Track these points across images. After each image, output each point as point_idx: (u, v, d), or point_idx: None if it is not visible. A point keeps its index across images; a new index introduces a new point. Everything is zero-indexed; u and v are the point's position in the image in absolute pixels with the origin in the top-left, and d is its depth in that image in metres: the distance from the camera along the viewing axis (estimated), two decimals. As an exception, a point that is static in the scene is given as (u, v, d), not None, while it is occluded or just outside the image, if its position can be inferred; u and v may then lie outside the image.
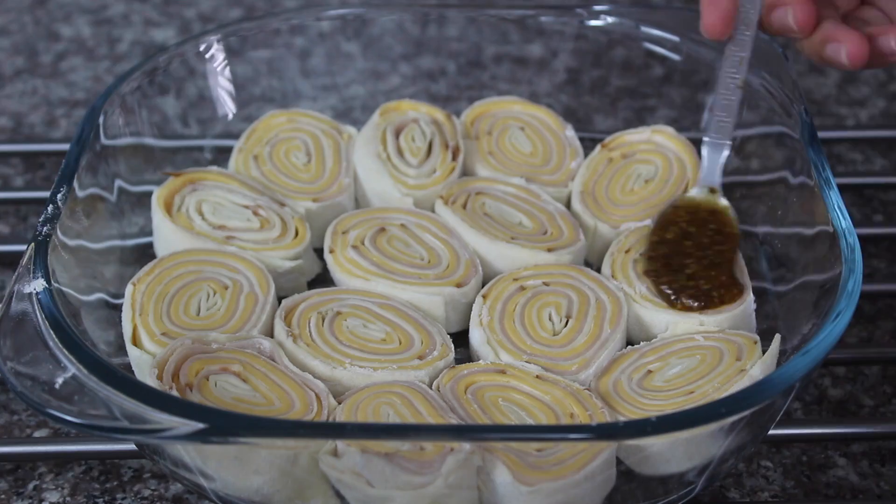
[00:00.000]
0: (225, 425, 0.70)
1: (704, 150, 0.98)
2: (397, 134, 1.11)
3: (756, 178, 1.08)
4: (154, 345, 0.88)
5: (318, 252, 1.03)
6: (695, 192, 0.99)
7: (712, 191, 0.98)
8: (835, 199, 0.88)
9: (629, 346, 0.91)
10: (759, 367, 0.82)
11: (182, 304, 0.92)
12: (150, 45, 1.46)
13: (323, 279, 1.02)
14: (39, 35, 1.49)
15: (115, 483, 0.86)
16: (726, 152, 0.97)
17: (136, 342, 0.89)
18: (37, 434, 0.91)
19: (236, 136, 1.12)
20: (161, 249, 1.01)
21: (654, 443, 0.77)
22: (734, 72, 0.95)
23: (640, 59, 1.20)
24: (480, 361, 0.90)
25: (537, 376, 0.86)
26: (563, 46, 1.22)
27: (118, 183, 1.01)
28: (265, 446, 0.75)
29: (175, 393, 0.80)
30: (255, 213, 1.02)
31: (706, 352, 0.87)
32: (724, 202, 0.98)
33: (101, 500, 0.85)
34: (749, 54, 0.95)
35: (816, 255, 0.89)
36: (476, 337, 0.92)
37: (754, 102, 1.06)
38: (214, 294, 0.93)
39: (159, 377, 0.81)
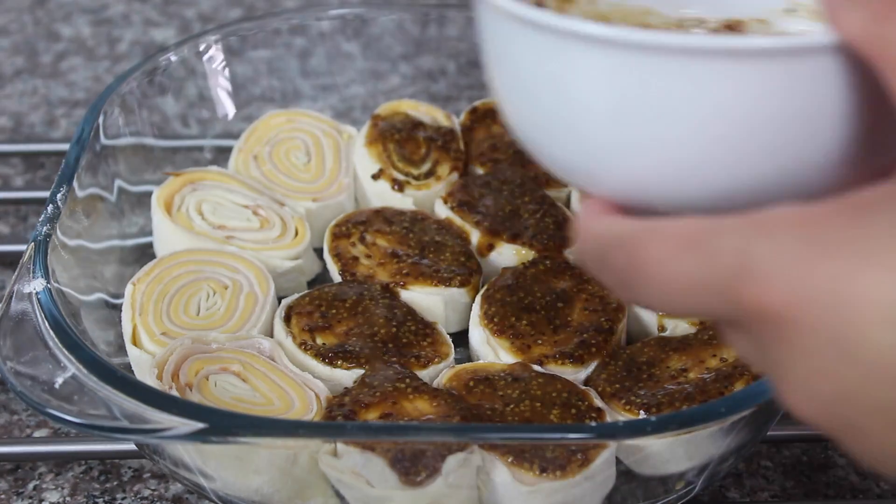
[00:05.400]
0: (225, 425, 0.70)
1: None
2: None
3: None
4: (154, 344, 0.88)
5: (318, 252, 1.03)
6: None
7: None
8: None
9: None
10: None
11: (182, 303, 0.92)
12: (150, 45, 1.46)
13: (323, 279, 1.02)
14: (39, 35, 1.49)
15: (115, 483, 0.86)
16: None
17: (135, 342, 0.89)
18: (37, 434, 0.91)
19: (236, 136, 1.12)
20: (161, 249, 1.01)
21: (654, 443, 0.77)
22: None
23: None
24: (480, 361, 0.90)
25: (536, 373, 0.86)
26: (563, 46, 1.22)
27: (118, 183, 1.01)
28: (265, 446, 0.75)
29: (175, 393, 0.80)
30: (255, 213, 1.02)
31: None
32: None
33: (101, 500, 0.85)
34: None
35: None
36: (476, 337, 0.92)
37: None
38: (214, 294, 0.93)
39: (159, 377, 0.81)
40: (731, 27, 0.65)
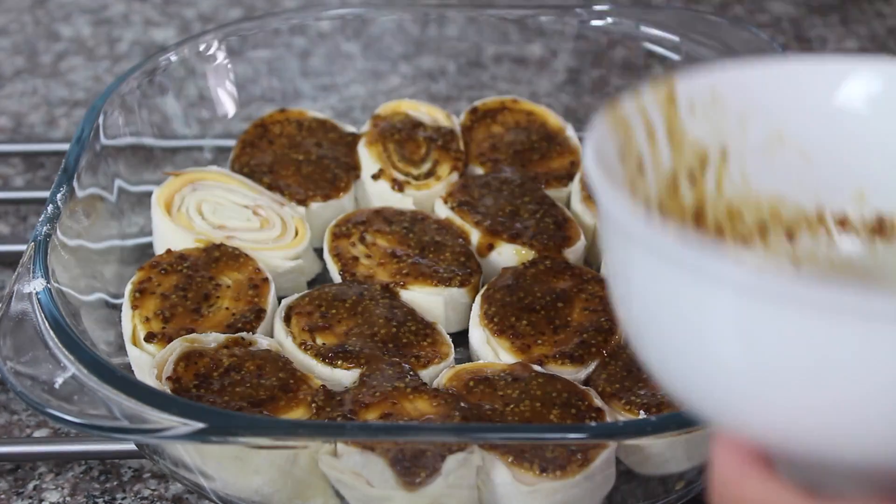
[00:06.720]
0: (224, 425, 0.70)
1: None
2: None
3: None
4: (154, 345, 0.88)
5: (318, 252, 1.03)
6: None
7: None
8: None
9: None
10: None
11: (182, 303, 0.92)
12: (150, 45, 1.46)
13: (323, 279, 1.02)
14: (39, 35, 1.49)
15: (115, 483, 0.86)
16: None
17: (135, 342, 0.89)
18: (37, 434, 0.91)
19: (236, 136, 1.12)
20: (161, 249, 1.01)
21: (654, 443, 0.77)
22: None
23: (640, 59, 1.20)
24: (480, 361, 0.90)
25: (536, 373, 0.86)
26: (563, 46, 1.22)
27: (118, 183, 1.01)
28: (265, 446, 0.75)
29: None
30: (255, 213, 1.02)
31: None
32: None
33: (101, 500, 0.85)
34: None
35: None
36: (476, 337, 0.92)
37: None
38: (214, 294, 0.93)
39: (159, 377, 0.81)
40: (879, 230, 0.58)
